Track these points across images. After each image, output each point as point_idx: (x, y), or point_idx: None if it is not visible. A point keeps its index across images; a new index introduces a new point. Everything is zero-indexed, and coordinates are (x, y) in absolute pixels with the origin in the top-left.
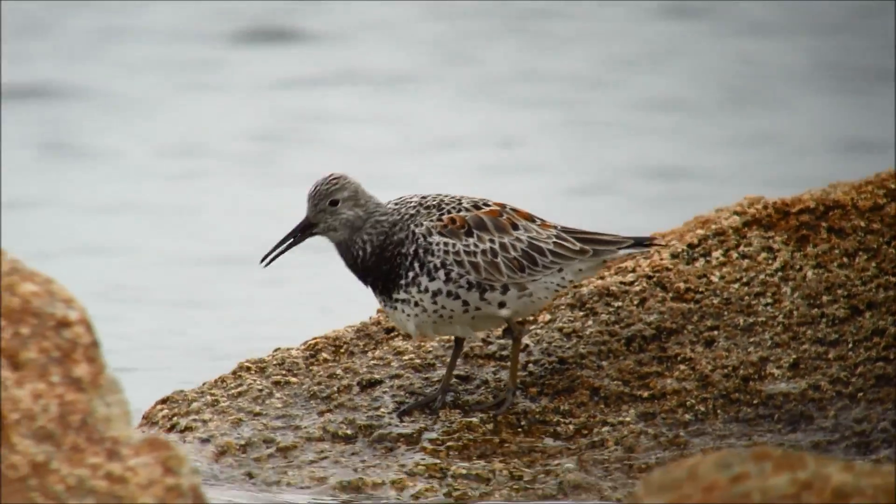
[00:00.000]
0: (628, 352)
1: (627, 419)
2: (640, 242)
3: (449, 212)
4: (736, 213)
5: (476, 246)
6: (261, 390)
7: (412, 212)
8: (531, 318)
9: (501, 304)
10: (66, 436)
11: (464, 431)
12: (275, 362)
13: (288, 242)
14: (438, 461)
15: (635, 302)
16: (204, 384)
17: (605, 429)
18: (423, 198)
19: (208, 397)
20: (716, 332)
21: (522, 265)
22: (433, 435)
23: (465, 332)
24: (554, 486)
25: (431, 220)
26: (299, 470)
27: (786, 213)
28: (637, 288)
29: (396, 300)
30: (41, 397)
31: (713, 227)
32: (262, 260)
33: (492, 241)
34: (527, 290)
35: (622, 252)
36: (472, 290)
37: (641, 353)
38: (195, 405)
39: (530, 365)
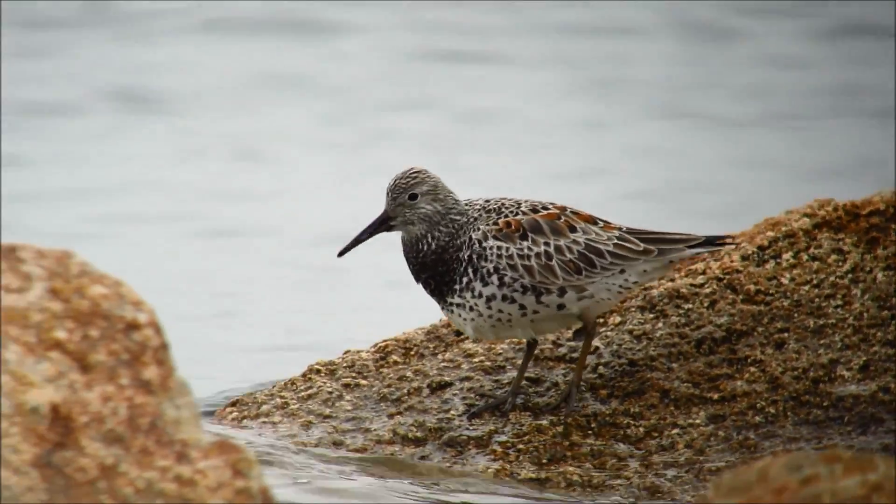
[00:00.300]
0: (698, 354)
1: (697, 421)
2: (712, 241)
3: (507, 215)
4: (806, 215)
5: (530, 249)
6: (330, 392)
7: (475, 215)
8: (601, 319)
9: (560, 307)
10: (135, 438)
11: (534, 434)
12: (345, 364)
13: (365, 234)
14: (508, 465)
15: (705, 304)
16: (273, 386)
17: (675, 431)
18: (487, 201)
19: (278, 399)
20: (786, 335)
21: (579, 267)
22: (503, 438)
23: (528, 334)
24: (624, 489)
25: (488, 225)
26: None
27: (856, 215)
28: (707, 290)
29: (451, 304)
30: (110, 400)
31: (783, 229)
32: (340, 253)
33: (546, 244)
34: (587, 292)
35: (690, 252)
36: (528, 293)
37: (711, 355)
38: (265, 408)
39: (600, 367)
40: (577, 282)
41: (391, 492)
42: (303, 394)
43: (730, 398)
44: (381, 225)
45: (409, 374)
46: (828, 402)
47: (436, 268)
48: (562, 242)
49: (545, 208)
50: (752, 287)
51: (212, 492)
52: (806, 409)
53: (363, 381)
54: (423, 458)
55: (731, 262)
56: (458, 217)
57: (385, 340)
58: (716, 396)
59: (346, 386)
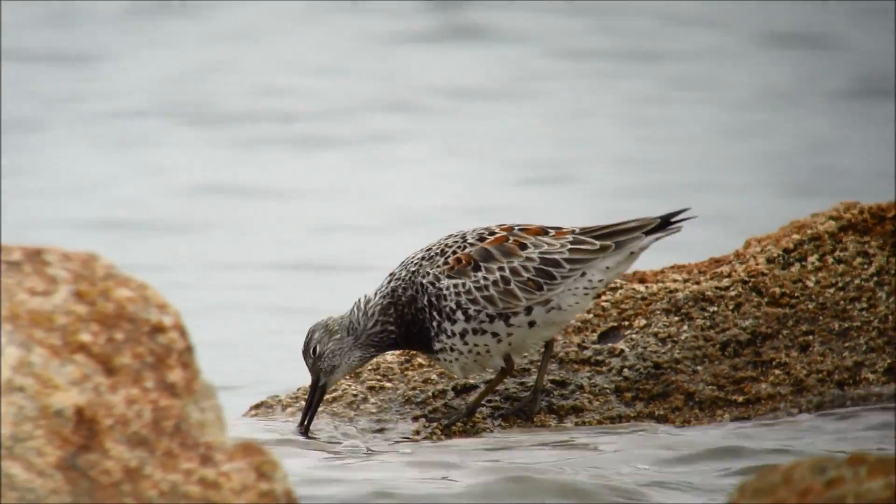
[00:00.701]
0: (723, 357)
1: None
2: (667, 220)
3: (454, 252)
4: (832, 217)
5: (486, 279)
6: (355, 395)
7: (414, 268)
8: (626, 323)
9: (532, 324)
10: (159, 441)
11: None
12: (370, 367)
13: (314, 403)
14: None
15: (731, 307)
16: (298, 389)
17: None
18: (428, 249)
19: (302, 402)
20: (811, 337)
21: (539, 283)
22: (526, 440)
23: (510, 358)
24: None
25: (437, 267)
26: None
27: (881, 217)
28: (732, 293)
29: (437, 351)
30: (135, 402)
31: (809, 231)
32: (303, 431)
33: (501, 268)
34: (553, 303)
35: (649, 239)
36: (497, 320)
37: (736, 357)
38: (289, 410)
39: (625, 370)
40: (541, 297)
41: (415, 493)
42: (327, 396)
43: (754, 401)
44: (316, 389)
45: (433, 376)
46: (852, 404)
47: (411, 333)
48: (516, 263)
49: (492, 234)
50: (777, 290)
51: (236, 494)
52: (830, 411)
53: (388, 384)
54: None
55: (757, 264)
56: (372, 305)
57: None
58: (741, 399)
59: (371, 389)
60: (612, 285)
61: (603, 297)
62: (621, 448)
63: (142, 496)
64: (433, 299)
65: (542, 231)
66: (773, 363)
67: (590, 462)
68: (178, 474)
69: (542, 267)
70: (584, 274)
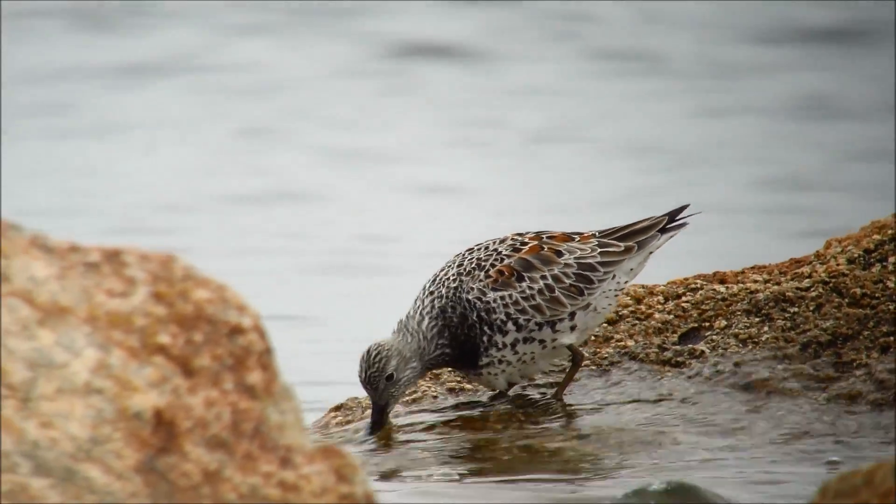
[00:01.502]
0: (804, 357)
1: None
2: (673, 216)
3: (493, 265)
4: None
5: (531, 289)
6: (435, 396)
7: (454, 285)
8: (707, 325)
9: (573, 328)
10: (238, 444)
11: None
12: (449, 368)
13: (380, 417)
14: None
15: (811, 308)
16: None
17: None
18: (460, 265)
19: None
20: (892, 338)
21: (580, 289)
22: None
23: (547, 365)
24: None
25: (480, 281)
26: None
27: None
28: (813, 293)
29: (481, 367)
30: (214, 405)
31: (889, 232)
32: (373, 433)
33: (543, 277)
34: (591, 307)
35: (664, 237)
36: (544, 328)
37: (817, 358)
38: (369, 412)
39: (705, 370)
40: (583, 302)
41: (500, 492)
42: (408, 398)
43: (835, 402)
44: (383, 414)
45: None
46: None
47: (463, 350)
48: (556, 270)
49: (524, 244)
50: (857, 291)
51: (316, 497)
52: None
53: (468, 385)
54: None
55: (837, 265)
56: (426, 326)
57: None
58: (821, 399)
59: (451, 390)
60: (693, 286)
61: (683, 299)
62: None
63: (221, 499)
64: (483, 314)
65: (568, 238)
66: (854, 364)
67: None
68: (257, 477)
69: (581, 272)
70: (613, 276)
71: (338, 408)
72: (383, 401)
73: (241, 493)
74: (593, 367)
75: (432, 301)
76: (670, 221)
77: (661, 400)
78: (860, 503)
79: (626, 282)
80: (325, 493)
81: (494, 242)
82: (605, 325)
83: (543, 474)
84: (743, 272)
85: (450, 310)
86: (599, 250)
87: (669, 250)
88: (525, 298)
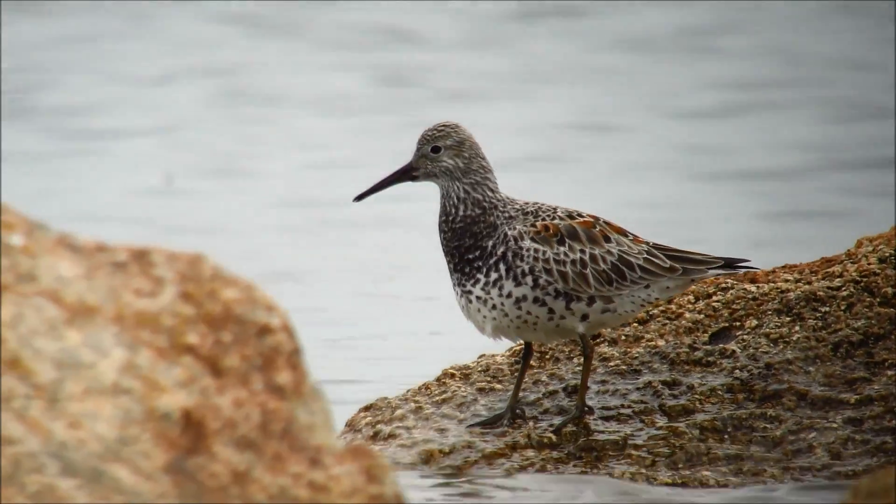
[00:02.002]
0: (835, 357)
1: (834, 425)
2: (731, 264)
3: (544, 219)
4: None
5: (566, 255)
6: (465, 397)
7: (512, 213)
8: (737, 324)
9: (584, 317)
10: (267, 444)
11: (670, 437)
12: (479, 369)
13: (385, 182)
14: (644, 469)
15: (842, 307)
16: (408, 391)
17: (812, 434)
18: (525, 203)
19: (412, 404)
20: None
21: (611, 278)
22: (638, 441)
23: (545, 339)
24: (762, 493)
25: (525, 226)
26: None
27: None
28: (844, 293)
29: (470, 292)
30: (243, 405)
31: None
32: (357, 197)
33: (583, 251)
34: (612, 304)
35: (711, 273)
36: (559, 298)
37: (848, 358)
38: (399, 412)
39: (736, 370)
40: (607, 292)
41: (528, 495)
42: (437, 398)
43: (867, 402)
44: (404, 175)
45: (544, 377)
46: None
47: (463, 238)
48: (597, 251)
49: (580, 216)
50: (889, 290)
51: (345, 497)
52: None
53: (498, 385)
54: (558, 461)
55: (869, 264)
56: (486, 190)
57: (520, 344)
58: (853, 400)
59: (481, 390)
60: (724, 285)
61: (714, 298)
62: None
63: (250, 500)
64: (509, 254)
65: (623, 232)
66: (886, 364)
67: None
68: (286, 477)
69: (619, 264)
70: (647, 286)
71: (367, 407)
72: (416, 164)
73: (271, 493)
74: (623, 368)
75: (501, 198)
76: (725, 266)
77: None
78: (893, 502)
79: (656, 298)
80: (355, 493)
81: (561, 206)
82: (635, 324)
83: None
84: (774, 271)
85: (495, 214)
86: (645, 256)
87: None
88: (557, 262)
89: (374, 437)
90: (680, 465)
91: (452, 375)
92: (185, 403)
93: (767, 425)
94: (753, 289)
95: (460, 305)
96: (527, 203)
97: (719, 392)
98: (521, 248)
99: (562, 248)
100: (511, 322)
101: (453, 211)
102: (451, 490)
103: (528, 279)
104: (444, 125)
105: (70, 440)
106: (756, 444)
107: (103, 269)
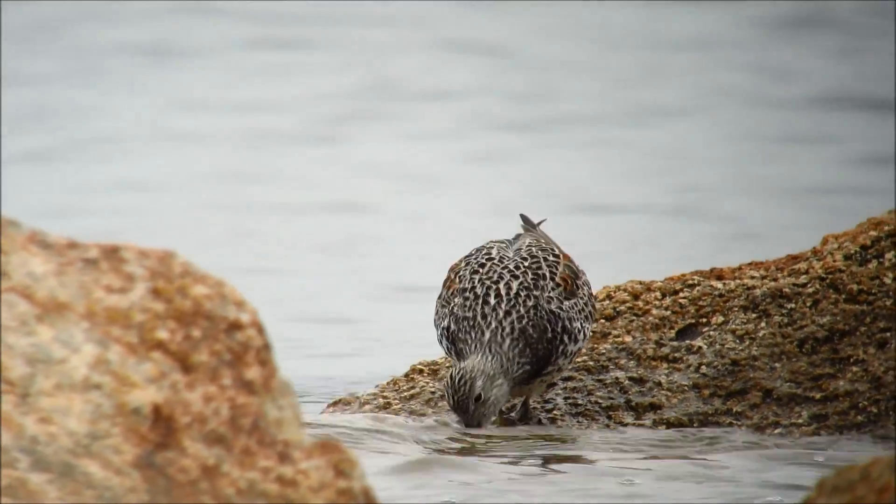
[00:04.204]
0: (801, 353)
1: (800, 421)
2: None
3: (552, 274)
4: None
5: (582, 298)
6: (433, 392)
7: (531, 303)
8: (704, 320)
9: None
10: (237, 439)
11: (637, 434)
12: (447, 364)
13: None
14: (612, 464)
15: (808, 304)
16: (376, 386)
17: (778, 430)
18: (516, 279)
19: (381, 400)
20: (888, 334)
21: (593, 313)
22: (605, 437)
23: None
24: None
25: (553, 291)
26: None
27: None
28: (810, 290)
29: (544, 374)
30: (212, 400)
31: (886, 228)
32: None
33: (585, 285)
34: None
35: None
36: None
37: (814, 354)
38: (367, 407)
39: (703, 367)
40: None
41: (490, 486)
42: (405, 394)
43: (832, 398)
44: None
45: None
46: None
47: (538, 362)
48: (585, 279)
49: (552, 250)
50: (854, 287)
51: (314, 492)
52: None
53: None
54: (523, 455)
55: (835, 261)
56: (509, 339)
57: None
58: (818, 396)
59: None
60: (690, 282)
61: (680, 295)
62: None
63: (219, 494)
64: (566, 323)
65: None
66: (851, 360)
67: None
68: (255, 472)
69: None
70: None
71: (335, 403)
72: (475, 422)
73: (240, 488)
74: (590, 364)
75: (511, 322)
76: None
77: None
78: (857, 498)
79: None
80: (324, 488)
81: (522, 247)
82: (603, 320)
83: None
84: (740, 268)
85: (531, 329)
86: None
87: (668, 247)
88: (582, 307)
89: None
90: (647, 461)
91: (421, 371)
92: (155, 398)
93: (733, 421)
94: (720, 285)
95: (526, 393)
96: (516, 276)
97: (686, 388)
98: (568, 311)
99: (579, 292)
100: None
101: (528, 368)
102: (417, 482)
103: (581, 334)
104: (458, 380)
105: (41, 435)
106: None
107: (74, 266)
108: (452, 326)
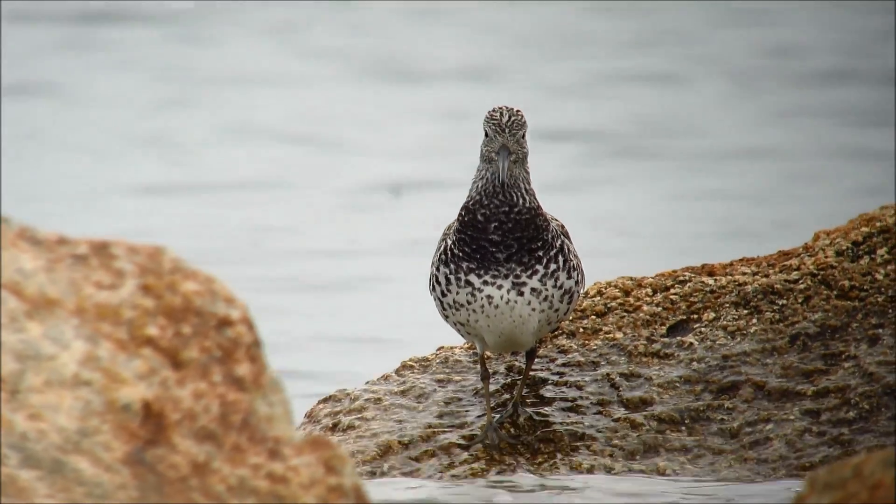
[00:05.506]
0: (792, 349)
1: (791, 417)
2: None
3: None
4: None
5: (575, 256)
6: (424, 388)
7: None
8: (695, 317)
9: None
10: (227, 436)
11: (627, 430)
12: (438, 360)
13: (504, 158)
14: (605, 461)
15: (800, 300)
16: (367, 382)
17: (769, 426)
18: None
19: (371, 395)
20: (880, 330)
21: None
22: (596, 433)
23: (534, 342)
24: (718, 484)
25: (553, 221)
26: (461, 467)
27: None
28: (801, 286)
29: (524, 284)
30: (202, 397)
31: (878, 224)
32: (501, 181)
33: (572, 248)
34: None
35: None
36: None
37: (805, 350)
38: (358, 403)
39: (694, 363)
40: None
41: (479, 488)
42: (396, 389)
43: (824, 393)
44: (507, 155)
45: (502, 369)
46: None
47: (527, 229)
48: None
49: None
50: (846, 283)
51: (304, 489)
52: None
53: (456, 377)
54: (514, 453)
55: (826, 257)
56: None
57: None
58: (810, 391)
59: (440, 381)
60: (681, 278)
61: (671, 291)
62: None
63: (210, 491)
64: (565, 247)
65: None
66: (843, 356)
67: None
68: (246, 469)
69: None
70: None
71: (326, 399)
72: (515, 149)
73: (230, 484)
74: (581, 360)
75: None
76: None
77: None
78: (849, 495)
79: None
80: (314, 484)
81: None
82: (593, 316)
83: None
84: (731, 264)
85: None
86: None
87: (659, 243)
88: (575, 257)
89: (334, 428)
90: (637, 456)
91: (412, 367)
92: (145, 395)
93: (725, 417)
94: (711, 282)
95: (491, 304)
96: None
97: (677, 384)
98: (563, 243)
99: (572, 246)
100: (549, 317)
101: (520, 201)
102: (410, 480)
103: (576, 274)
104: (515, 108)
105: (31, 431)
106: (713, 435)
107: (64, 262)
108: (451, 242)
